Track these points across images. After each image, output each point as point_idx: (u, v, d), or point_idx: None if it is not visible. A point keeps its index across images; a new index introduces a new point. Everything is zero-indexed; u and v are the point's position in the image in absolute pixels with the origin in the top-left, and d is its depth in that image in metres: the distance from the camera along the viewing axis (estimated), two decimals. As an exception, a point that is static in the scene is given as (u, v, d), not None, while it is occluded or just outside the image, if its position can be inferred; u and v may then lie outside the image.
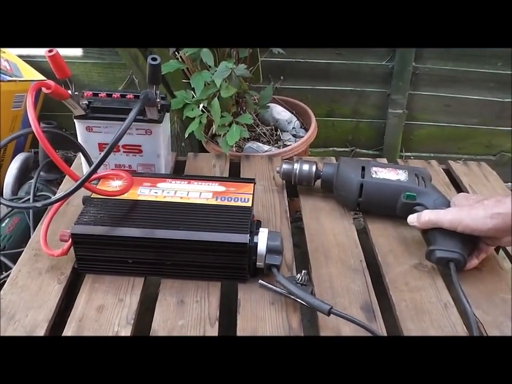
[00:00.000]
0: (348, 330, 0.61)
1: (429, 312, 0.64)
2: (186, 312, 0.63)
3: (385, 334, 0.61)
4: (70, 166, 0.90)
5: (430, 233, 0.70)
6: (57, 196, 0.63)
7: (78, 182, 0.61)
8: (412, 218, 0.72)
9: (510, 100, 1.51)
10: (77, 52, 1.46)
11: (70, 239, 0.65)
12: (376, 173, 0.77)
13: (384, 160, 1.00)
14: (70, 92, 0.70)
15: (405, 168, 0.79)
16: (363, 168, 0.78)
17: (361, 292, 0.67)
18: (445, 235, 0.68)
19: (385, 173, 0.77)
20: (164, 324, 0.61)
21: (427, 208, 0.72)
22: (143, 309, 0.65)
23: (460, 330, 0.62)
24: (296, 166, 0.82)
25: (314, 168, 0.82)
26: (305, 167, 0.82)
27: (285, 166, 0.83)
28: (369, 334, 0.59)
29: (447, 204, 0.73)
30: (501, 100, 1.51)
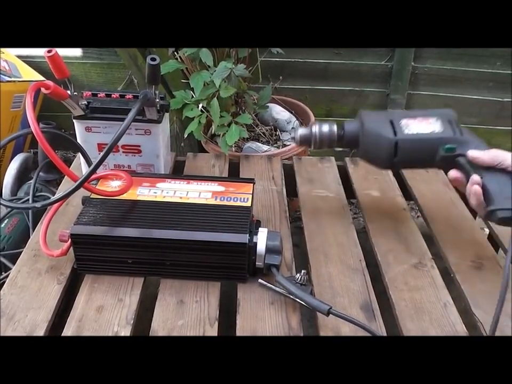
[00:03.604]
0: (348, 330, 0.61)
1: (428, 311, 0.64)
2: (186, 312, 0.63)
3: (385, 334, 0.61)
4: (69, 167, 0.89)
5: (489, 183, 0.63)
6: (57, 196, 0.63)
7: (77, 183, 0.61)
8: (475, 153, 0.65)
9: (509, 100, 1.51)
10: (76, 52, 1.46)
11: (70, 239, 0.65)
12: (407, 126, 0.69)
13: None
14: (69, 92, 0.70)
15: (435, 115, 0.70)
16: (392, 123, 0.69)
17: (361, 292, 0.67)
18: (503, 186, 0.62)
19: (416, 125, 0.69)
20: (163, 324, 0.61)
21: (466, 158, 0.66)
22: (142, 309, 0.65)
23: (460, 329, 0.62)
24: (315, 128, 0.73)
25: (335, 127, 0.73)
26: (325, 127, 0.73)
27: (301, 131, 0.74)
28: (368, 334, 0.59)
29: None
30: (500, 99, 1.51)
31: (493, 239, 0.81)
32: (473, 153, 0.65)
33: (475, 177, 0.63)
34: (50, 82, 0.65)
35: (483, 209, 0.63)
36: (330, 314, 0.60)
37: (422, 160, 0.71)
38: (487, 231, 0.85)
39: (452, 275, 0.72)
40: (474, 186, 0.63)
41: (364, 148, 0.72)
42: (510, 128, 1.56)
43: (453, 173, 0.67)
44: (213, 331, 0.60)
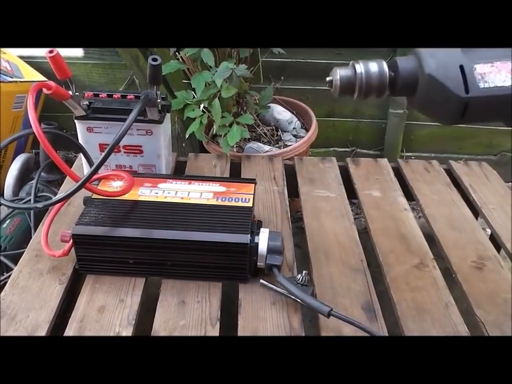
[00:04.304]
0: (349, 330, 0.61)
1: (430, 312, 0.64)
2: (187, 313, 0.63)
3: (386, 334, 0.61)
4: (70, 167, 0.90)
5: None
6: (58, 196, 0.63)
7: (79, 183, 0.61)
8: None
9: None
10: (78, 52, 1.46)
11: (71, 240, 0.65)
12: (482, 76, 0.54)
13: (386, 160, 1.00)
14: (70, 92, 0.71)
15: None
16: (462, 70, 0.54)
17: (362, 292, 0.67)
18: None
19: (495, 74, 0.54)
20: (165, 324, 0.61)
21: None
22: (144, 309, 0.65)
23: (462, 330, 0.62)
24: (360, 68, 0.56)
25: (385, 66, 0.56)
26: (373, 66, 0.56)
27: (342, 72, 0.57)
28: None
29: None
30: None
31: (494, 240, 0.81)
32: None
33: None
34: (52, 83, 0.65)
35: None
36: (331, 316, 0.60)
37: (494, 120, 0.60)
38: (488, 231, 0.85)
39: (453, 275, 0.72)
40: None
41: (423, 98, 0.56)
42: (510, 128, 1.55)
43: None
44: (214, 331, 0.60)
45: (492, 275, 0.71)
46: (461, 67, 0.53)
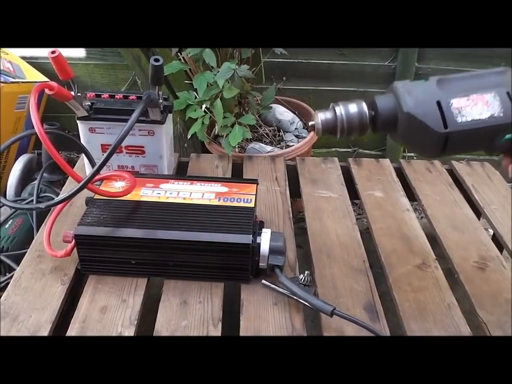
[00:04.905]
0: (351, 330, 0.61)
1: (432, 312, 0.64)
2: (189, 313, 0.63)
3: (389, 334, 0.61)
4: (72, 167, 0.90)
5: None
6: (61, 197, 0.63)
7: (81, 183, 0.61)
8: None
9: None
10: (80, 53, 1.47)
11: (73, 240, 0.65)
12: (459, 111, 0.55)
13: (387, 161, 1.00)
14: (72, 93, 0.71)
15: (491, 87, 0.56)
16: (440, 106, 0.54)
17: (365, 292, 0.67)
18: None
19: (471, 108, 0.55)
20: (167, 324, 0.61)
21: None
22: (146, 309, 0.65)
23: (464, 330, 0.62)
24: (340, 110, 0.57)
25: (364, 106, 0.57)
26: (353, 108, 0.57)
27: (322, 116, 0.58)
28: (372, 334, 0.59)
29: None
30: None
31: (497, 240, 0.80)
32: None
33: None
34: (54, 83, 0.65)
35: None
36: (334, 315, 0.60)
37: (474, 150, 0.61)
38: (491, 231, 0.85)
39: (455, 276, 0.71)
40: None
41: (403, 135, 0.58)
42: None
43: (508, 162, 0.57)
44: (216, 332, 0.60)
45: (494, 275, 0.71)
46: (438, 103, 0.54)
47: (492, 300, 0.66)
